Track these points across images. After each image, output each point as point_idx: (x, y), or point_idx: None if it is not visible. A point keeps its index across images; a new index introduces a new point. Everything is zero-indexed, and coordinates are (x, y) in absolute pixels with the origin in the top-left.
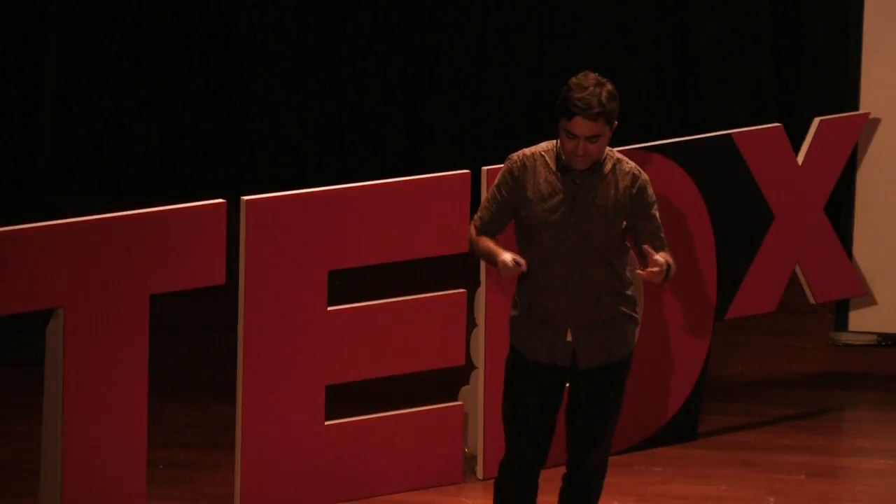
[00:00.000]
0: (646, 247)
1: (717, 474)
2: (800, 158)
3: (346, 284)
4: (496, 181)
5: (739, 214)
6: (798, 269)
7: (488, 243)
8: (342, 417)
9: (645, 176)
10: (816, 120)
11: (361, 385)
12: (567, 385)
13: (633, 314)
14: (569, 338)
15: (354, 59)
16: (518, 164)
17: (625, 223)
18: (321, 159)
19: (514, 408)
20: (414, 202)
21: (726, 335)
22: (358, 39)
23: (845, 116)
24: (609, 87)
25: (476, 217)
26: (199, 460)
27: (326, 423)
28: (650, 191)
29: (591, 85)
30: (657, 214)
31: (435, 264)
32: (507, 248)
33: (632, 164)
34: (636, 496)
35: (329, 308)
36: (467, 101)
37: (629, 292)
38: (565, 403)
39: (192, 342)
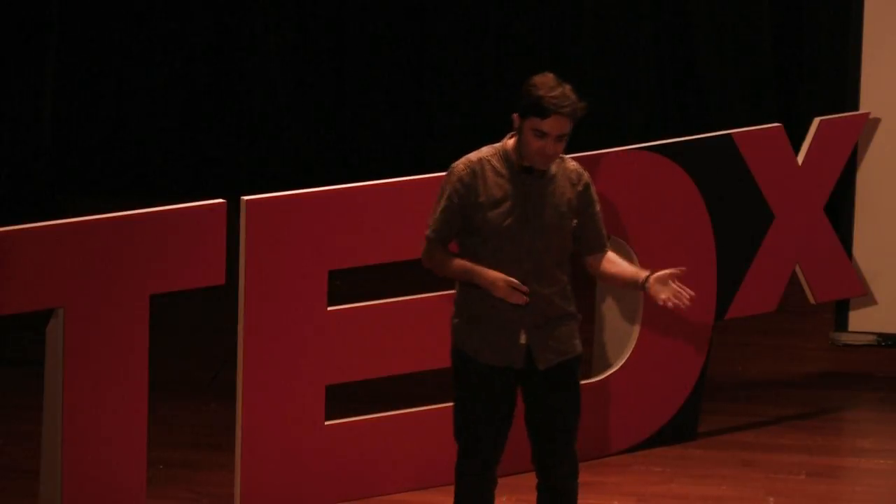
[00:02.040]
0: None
1: (717, 474)
2: (800, 158)
3: (346, 284)
4: (444, 192)
5: (739, 214)
6: (798, 269)
7: (461, 262)
8: (342, 417)
9: (588, 174)
10: (816, 120)
11: (361, 385)
12: (522, 390)
13: (576, 312)
14: (522, 339)
15: (354, 60)
16: (466, 170)
17: (575, 221)
18: (321, 159)
19: (469, 412)
20: (414, 202)
21: (726, 335)
22: (358, 39)
23: (845, 116)
24: (569, 86)
25: (430, 231)
26: (199, 460)
27: (326, 423)
28: (594, 188)
29: (557, 84)
30: (600, 213)
31: None
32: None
33: (574, 162)
34: (636, 496)
35: (329, 308)
36: (467, 101)
37: (569, 292)
38: (523, 411)
39: (192, 342)
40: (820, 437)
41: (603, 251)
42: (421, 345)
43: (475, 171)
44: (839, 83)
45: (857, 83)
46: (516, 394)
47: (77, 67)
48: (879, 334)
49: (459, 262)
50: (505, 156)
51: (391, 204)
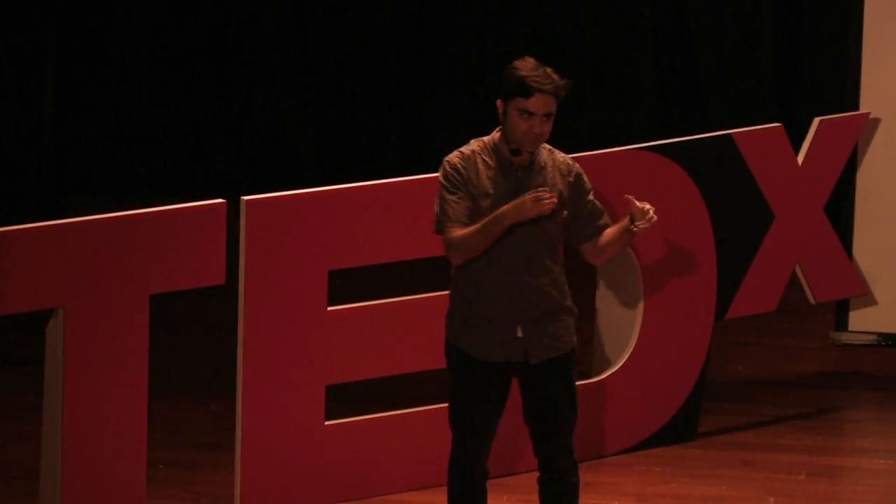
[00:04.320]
0: (627, 197)
1: (717, 474)
2: (800, 158)
3: (346, 284)
4: (448, 183)
5: (739, 214)
6: (798, 269)
7: (477, 225)
8: (342, 417)
9: (578, 165)
10: (816, 120)
11: (361, 385)
12: (519, 385)
13: (572, 307)
14: (519, 333)
15: (354, 60)
16: (461, 162)
17: (566, 212)
18: (321, 159)
19: (464, 407)
20: (414, 202)
21: (726, 335)
22: (358, 39)
23: (845, 116)
24: (550, 68)
25: (446, 222)
26: (199, 460)
27: (326, 423)
28: (586, 177)
29: (537, 66)
30: (594, 200)
31: (435, 264)
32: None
33: (563, 154)
34: (636, 496)
35: (329, 308)
36: (467, 102)
37: (566, 285)
38: (521, 407)
39: (192, 342)
40: (820, 437)
41: (598, 237)
42: (421, 345)
43: (468, 163)
44: (839, 83)
45: (857, 83)
46: (510, 387)
47: (77, 67)
48: (879, 334)
49: (476, 226)
50: (494, 149)
51: (391, 204)
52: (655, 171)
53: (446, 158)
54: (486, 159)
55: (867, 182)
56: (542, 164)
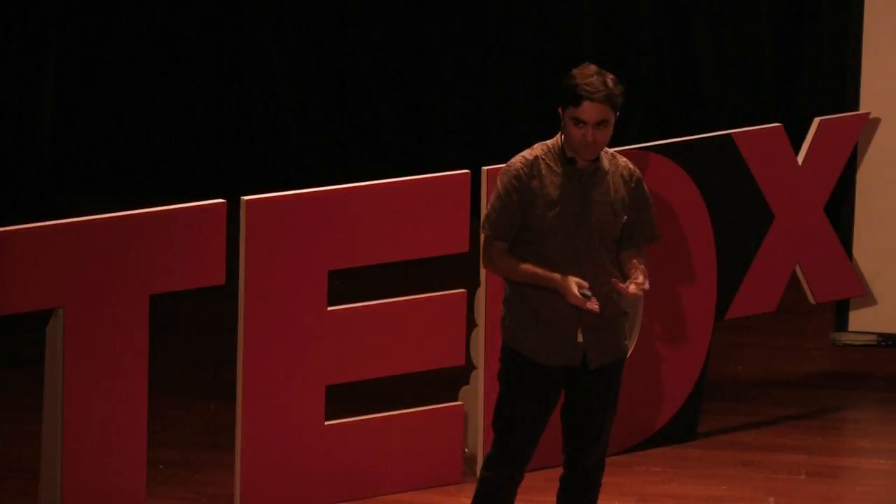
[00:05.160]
0: (633, 260)
1: (717, 474)
2: (800, 158)
3: (346, 284)
4: (502, 189)
5: (739, 214)
6: (798, 269)
7: (527, 267)
8: (342, 417)
9: (638, 170)
10: (816, 120)
11: (361, 385)
12: (565, 384)
13: (626, 310)
14: (580, 338)
15: (354, 59)
16: (524, 168)
17: (625, 217)
18: (321, 159)
19: (515, 410)
20: (414, 202)
21: (726, 335)
22: (358, 39)
23: (845, 116)
24: (611, 76)
25: (490, 231)
26: (199, 460)
27: (326, 423)
28: (645, 184)
29: (594, 73)
30: (652, 208)
31: (435, 264)
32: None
33: (625, 158)
34: (636, 496)
35: (329, 308)
36: (467, 101)
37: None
38: (561, 403)
39: (192, 342)
40: (820, 437)
41: (639, 248)
42: (421, 345)
43: (532, 170)
44: (839, 83)
45: (857, 83)
46: (561, 391)
47: (77, 67)
48: (879, 334)
49: (525, 268)
50: (559, 153)
51: (391, 204)
52: (655, 170)
53: (509, 163)
54: (551, 164)
55: (867, 182)
56: (605, 170)
